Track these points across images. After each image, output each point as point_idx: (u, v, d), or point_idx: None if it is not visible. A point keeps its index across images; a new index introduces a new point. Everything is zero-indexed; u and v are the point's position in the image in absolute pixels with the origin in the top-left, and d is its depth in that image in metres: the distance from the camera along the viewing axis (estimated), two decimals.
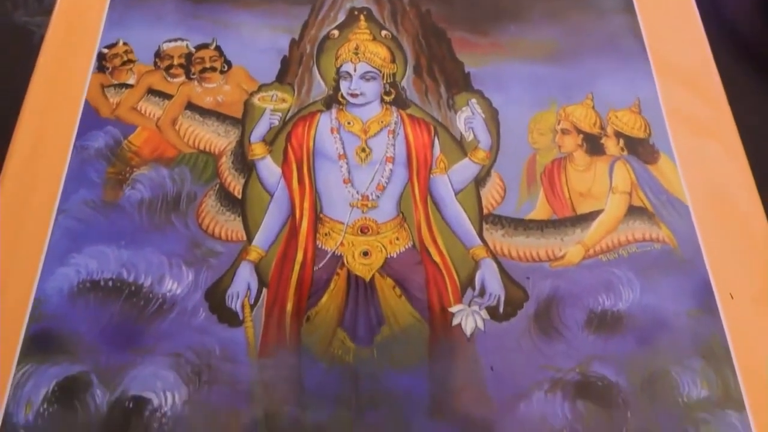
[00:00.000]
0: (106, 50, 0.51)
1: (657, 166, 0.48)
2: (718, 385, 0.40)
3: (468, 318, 0.42)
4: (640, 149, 0.49)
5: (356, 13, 0.53)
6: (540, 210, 0.46)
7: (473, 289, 0.43)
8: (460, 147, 0.48)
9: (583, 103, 0.50)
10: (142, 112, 0.49)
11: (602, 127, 0.49)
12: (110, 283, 0.42)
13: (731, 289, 0.43)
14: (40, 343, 0.40)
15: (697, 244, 0.45)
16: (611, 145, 0.49)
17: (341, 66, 0.51)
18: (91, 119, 0.48)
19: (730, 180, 0.47)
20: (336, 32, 0.52)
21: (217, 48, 0.52)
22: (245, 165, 0.47)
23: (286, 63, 0.51)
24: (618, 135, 0.49)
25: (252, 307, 0.42)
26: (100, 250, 0.43)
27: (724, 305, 0.43)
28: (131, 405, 0.39)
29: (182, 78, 0.50)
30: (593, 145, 0.49)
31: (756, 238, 0.45)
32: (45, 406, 0.39)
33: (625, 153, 0.48)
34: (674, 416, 0.40)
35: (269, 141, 0.48)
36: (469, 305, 0.43)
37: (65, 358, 0.40)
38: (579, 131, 0.49)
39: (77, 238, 0.44)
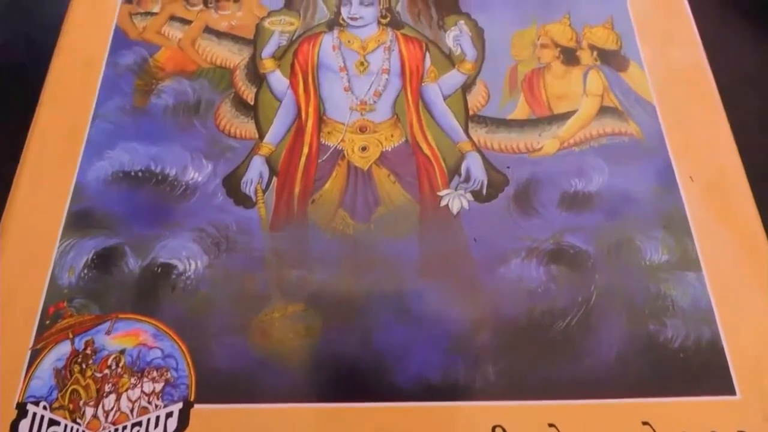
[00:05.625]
0: None
1: (627, 72, 0.53)
2: (677, 251, 0.45)
3: (454, 200, 0.48)
4: (612, 59, 0.54)
5: None
6: (520, 110, 0.52)
7: (459, 175, 0.49)
8: (449, 60, 0.54)
9: (560, 22, 0.56)
10: (165, 35, 0.55)
11: (578, 42, 0.55)
12: (140, 173, 0.48)
13: (691, 173, 0.48)
14: (81, 220, 0.46)
15: (661, 135, 0.50)
16: (585, 57, 0.54)
17: None
18: (121, 41, 0.54)
19: (692, 80, 0.52)
20: None
21: None
22: (257, 77, 0.53)
23: None
24: (592, 48, 0.54)
25: (264, 191, 0.48)
26: (131, 146, 0.49)
27: (684, 185, 0.48)
28: (159, 270, 0.45)
29: (200, 6, 0.57)
30: (569, 56, 0.54)
31: (715, 128, 0.50)
32: (85, 271, 0.44)
33: (598, 63, 0.54)
34: (638, 276, 0.45)
35: (278, 57, 0.54)
36: (456, 189, 0.48)
37: (102, 233, 0.46)
38: (556, 45, 0.55)
39: (111, 138, 0.50)
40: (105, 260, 0.45)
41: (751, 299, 0.43)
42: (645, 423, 0.39)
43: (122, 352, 0.42)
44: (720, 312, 0.43)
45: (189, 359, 0.41)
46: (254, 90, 0.52)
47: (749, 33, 0.62)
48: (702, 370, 0.41)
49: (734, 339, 0.42)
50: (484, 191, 0.48)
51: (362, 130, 0.51)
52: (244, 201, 0.47)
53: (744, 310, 0.43)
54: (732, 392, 0.40)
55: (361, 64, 0.53)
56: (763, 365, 0.41)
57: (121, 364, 0.41)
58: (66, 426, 0.39)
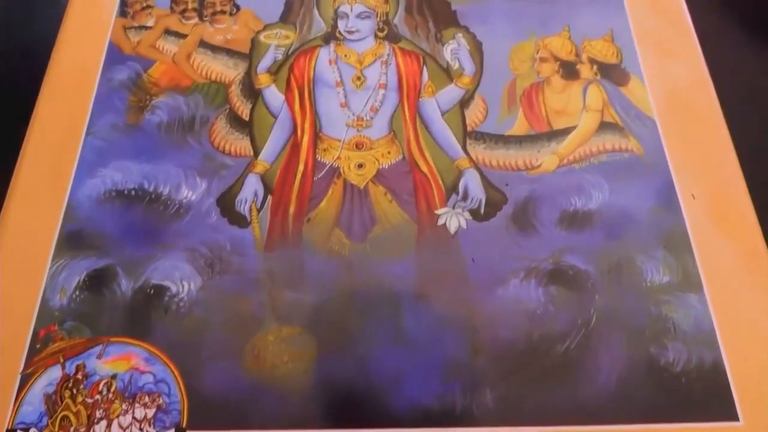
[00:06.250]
0: None
1: (628, 87, 0.52)
2: (678, 272, 0.45)
3: (452, 218, 0.47)
4: (612, 73, 0.53)
5: None
6: (519, 126, 0.51)
7: (457, 194, 0.48)
8: (447, 74, 0.53)
9: (560, 35, 0.55)
10: (160, 49, 0.54)
11: (577, 55, 0.54)
12: (133, 192, 0.48)
13: (693, 191, 0.47)
14: (73, 240, 0.45)
15: (662, 152, 0.49)
16: (585, 70, 0.53)
17: (339, 7, 0.56)
18: (115, 56, 0.54)
19: (693, 94, 0.51)
20: None
21: None
22: (252, 92, 0.52)
23: (289, 5, 0.56)
24: (592, 61, 0.54)
25: (258, 210, 0.47)
26: (124, 164, 0.49)
27: (685, 203, 0.47)
28: (152, 291, 0.44)
29: (195, 20, 0.56)
30: (569, 70, 0.53)
31: (717, 144, 0.49)
32: (77, 292, 0.44)
33: (598, 77, 0.53)
34: (638, 298, 0.44)
35: (274, 72, 0.53)
36: (453, 208, 0.47)
37: (94, 253, 0.45)
38: (556, 59, 0.54)
39: (104, 155, 0.49)
40: (97, 282, 0.44)
41: (755, 322, 0.42)
42: None
43: (114, 376, 0.41)
44: (722, 334, 0.42)
45: (181, 384, 0.41)
46: (249, 105, 0.52)
47: (751, 43, 0.61)
48: (704, 395, 0.40)
49: (737, 362, 0.41)
50: (482, 210, 0.47)
51: (359, 146, 0.50)
52: (238, 220, 0.47)
53: (747, 333, 0.42)
54: (735, 418, 0.40)
55: (358, 78, 0.53)
56: (766, 390, 0.40)
57: (112, 390, 0.40)
58: None
